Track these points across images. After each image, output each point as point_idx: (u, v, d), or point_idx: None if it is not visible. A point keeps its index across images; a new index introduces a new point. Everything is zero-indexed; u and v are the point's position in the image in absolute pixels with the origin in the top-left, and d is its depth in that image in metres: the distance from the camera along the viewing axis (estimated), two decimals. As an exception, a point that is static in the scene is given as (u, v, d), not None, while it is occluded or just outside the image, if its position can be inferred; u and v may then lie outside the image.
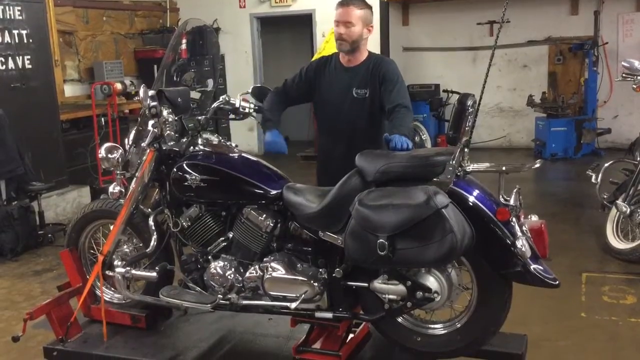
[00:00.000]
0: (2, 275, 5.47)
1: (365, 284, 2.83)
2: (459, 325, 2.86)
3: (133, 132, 3.40)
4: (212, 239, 3.17)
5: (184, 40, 3.72)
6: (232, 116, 3.44)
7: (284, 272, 2.97)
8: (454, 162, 2.61)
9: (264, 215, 3.03)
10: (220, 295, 3.08)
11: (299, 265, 3.01)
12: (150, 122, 3.20)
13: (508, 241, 2.59)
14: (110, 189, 3.32)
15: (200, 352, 3.31)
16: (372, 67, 3.62)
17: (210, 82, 4.18)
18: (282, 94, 3.80)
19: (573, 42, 9.71)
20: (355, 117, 3.65)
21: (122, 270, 3.25)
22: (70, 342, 3.41)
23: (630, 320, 4.14)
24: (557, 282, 2.63)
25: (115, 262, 3.29)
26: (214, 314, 3.54)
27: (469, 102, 2.71)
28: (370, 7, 3.66)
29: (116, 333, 3.46)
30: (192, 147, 3.24)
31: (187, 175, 3.10)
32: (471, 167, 2.75)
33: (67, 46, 8.64)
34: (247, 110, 3.41)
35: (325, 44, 9.43)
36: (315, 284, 2.91)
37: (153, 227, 3.28)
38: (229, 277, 3.07)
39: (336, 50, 3.72)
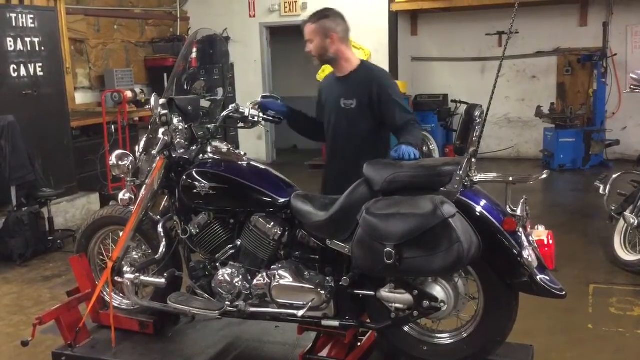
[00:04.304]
0: (12, 280, 5.51)
1: (372, 293, 2.85)
2: (465, 335, 2.87)
3: (143, 139, 3.43)
4: (220, 246, 3.20)
5: (194, 49, 3.75)
6: (241, 124, 3.46)
7: (291, 279, 2.98)
8: (461, 172, 2.62)
9: (272, 223, 3.05)
10: (227, 302, 3.10)
11: (306, 273, 3.03)
12: (161, 130, 3.24)
13: (515, 251, 2.60)
14: (120, 195, 3.35)
15: (207, 358, 3.33)
16: (361, 78, 3.47)
17: (220, 90, 4.22)
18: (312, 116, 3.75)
19: (582, 53, 9.68)
20: (342, 129, 3.50)
21: (131, 276, 3.28)
22: (78, 347, 3.44)
23: (638, 332, 4.11)
24: (564, 293, 2.64)
25: (125, 268, 3.32)
26: (221, 320, 3.56)
27: (477, 113, 2.73)
28: (327, 16, 3.47)
29: (124, 339, 3.48)
30: (201, 155, 3.27)
31: (196, 183, 3.13)
32: (478, 177, 2.76)
33: (79, 54, 8.73)
34: (256, 119, 3.43)
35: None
36: (322, 292, 2.93)
37: (162, 234, 3.31)
38: (236, 284, 3.09)
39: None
